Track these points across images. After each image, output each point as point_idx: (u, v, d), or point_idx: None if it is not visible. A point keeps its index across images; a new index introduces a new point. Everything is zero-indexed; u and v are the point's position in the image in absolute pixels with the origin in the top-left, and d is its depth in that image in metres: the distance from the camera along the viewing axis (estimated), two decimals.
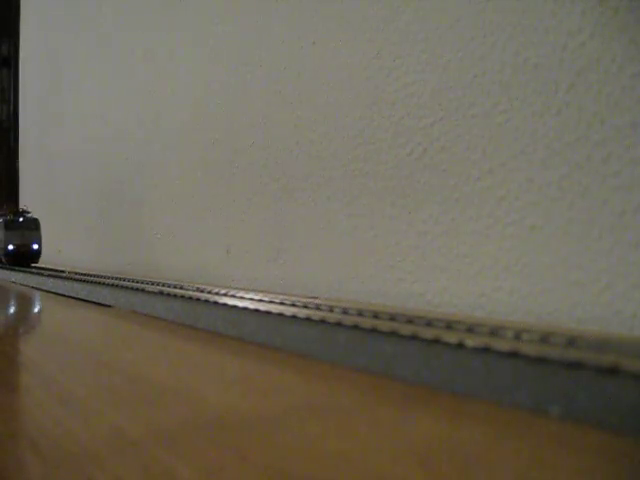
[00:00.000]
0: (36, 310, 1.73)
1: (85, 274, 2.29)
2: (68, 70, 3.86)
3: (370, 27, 1.52)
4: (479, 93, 1.24)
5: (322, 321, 0.95)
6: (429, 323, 0.86)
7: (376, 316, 0.95)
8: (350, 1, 1.59)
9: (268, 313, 1.07)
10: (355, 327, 0.89)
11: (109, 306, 1.65)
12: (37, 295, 2.05)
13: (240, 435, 0.52)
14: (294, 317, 1.01)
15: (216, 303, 1.25)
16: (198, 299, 1.31)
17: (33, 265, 2.98)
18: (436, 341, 0.76)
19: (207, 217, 2.24)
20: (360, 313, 0.98)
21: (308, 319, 0.98)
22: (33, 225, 2.90)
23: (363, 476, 0.42)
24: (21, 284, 2.54)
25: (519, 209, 1.16)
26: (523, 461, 0.46)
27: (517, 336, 0.75)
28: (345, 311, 1.01)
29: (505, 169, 1.19)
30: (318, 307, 1.07)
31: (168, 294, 1.44)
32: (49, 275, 2.35)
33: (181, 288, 1.51)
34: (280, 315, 1.04)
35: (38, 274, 2.48)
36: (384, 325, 0.86)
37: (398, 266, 1.41)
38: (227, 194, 2.11)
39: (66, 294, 1.97)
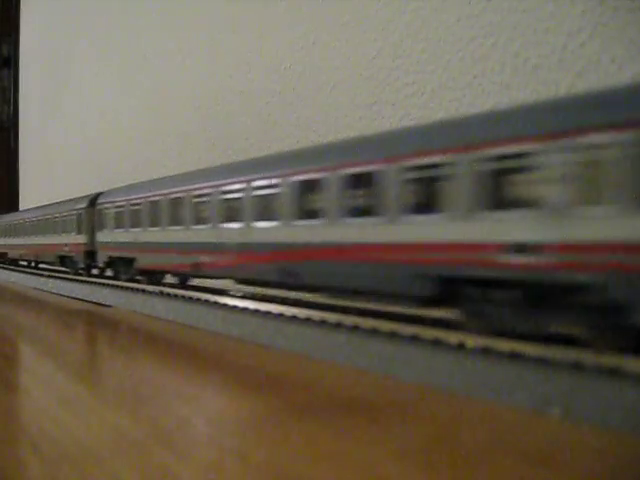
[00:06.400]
0: None
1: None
2: (68, 70, 3.86)
3: (370, 27, 1.52)
4: (479, 93, 1.24)
5: (322, 321, 0.95)
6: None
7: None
8: (350, 1, 1.59)
9: (268, 313, 1.07)
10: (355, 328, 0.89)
11: (109, 306, 1.65)
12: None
13: None
14: (294, 317, 1.01)
15: (216, 303, 1.25)
16: (198, 299, 1.31)
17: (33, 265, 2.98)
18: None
19: None
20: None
21: (308, 319, 0.98)
22: None
23: None
24: (22, 285, 2.54)
25: None
26: None
27: None
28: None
29: None
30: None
31: (168, 294, 1.44)
32: (49, 276, 2.34)
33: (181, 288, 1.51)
34: (280, 315, 1.04)
35: (38, 275, 2.48)
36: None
37: None
38: None
39: (67, 295, 1.97)
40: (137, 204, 1.66)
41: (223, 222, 1.24)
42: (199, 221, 1.34)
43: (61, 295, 2.01)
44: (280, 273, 1.05)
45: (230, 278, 1.27)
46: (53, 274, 2.39)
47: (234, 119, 2.08)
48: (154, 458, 0.48)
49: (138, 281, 1.71)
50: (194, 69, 2.35)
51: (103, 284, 1.78)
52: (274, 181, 1.08)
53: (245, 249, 1.17)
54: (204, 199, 1.32)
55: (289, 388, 0.74)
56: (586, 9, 1.05)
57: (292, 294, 1.23)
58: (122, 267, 1.78)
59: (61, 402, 0.67)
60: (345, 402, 0.66)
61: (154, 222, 1.55)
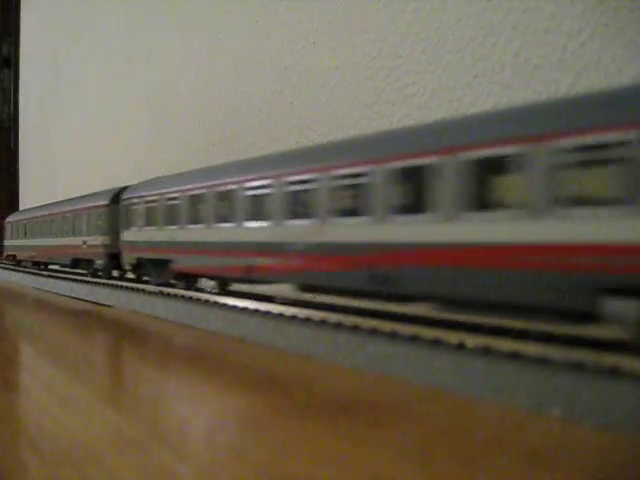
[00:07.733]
0: None
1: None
2: (68, 70, 3.86)
3: (370, 27, 1.52)
4: (479, 93, 1.24)
5: (322, 321, 0.95)
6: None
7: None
8: (350, 1, 1.59)
9: (268, 313, 1.07)
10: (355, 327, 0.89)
11: (109, 306, 1.65)
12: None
13: None
14: (294, 317, 1.01)
15: (216, 303, 1.25)
16: (198, 299, 1.31)
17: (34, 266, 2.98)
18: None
19: None
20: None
21: (308, 319, 0.98)
22: None
23: None
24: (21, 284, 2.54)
25: None
26: None
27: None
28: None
29: None
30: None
31: (168, 294, 1.44)
32: (49, 276, 2.35)
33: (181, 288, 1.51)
34: (280, 315, 1.04)
35: (38, 274, 2.48)
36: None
37: None
38: None
39: (67, 294, 1.97)
40: None
41: None
42: None
43: (61, 295, 2.01)
44: None
45: None
46: (52, 274, 2.39)
47: (234, 119, 2.08)
48: (154, 458, 0.48)
49: (141, 281, 1.70)
50: (194, 69, 2.35)
51: (103, 284, 1.78)
52: None
53: None
54: None
55: (289, 388, 0.74)
56: (586, 9, 1.05)
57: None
58: None
59: (61, 402, 0.67)
60: (345, 402, 0.66)
61: None
